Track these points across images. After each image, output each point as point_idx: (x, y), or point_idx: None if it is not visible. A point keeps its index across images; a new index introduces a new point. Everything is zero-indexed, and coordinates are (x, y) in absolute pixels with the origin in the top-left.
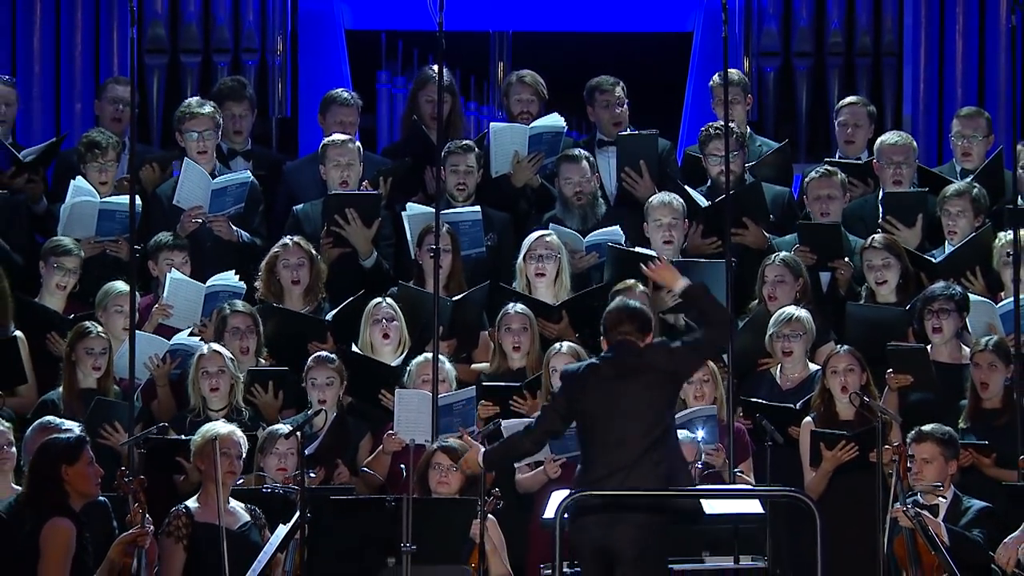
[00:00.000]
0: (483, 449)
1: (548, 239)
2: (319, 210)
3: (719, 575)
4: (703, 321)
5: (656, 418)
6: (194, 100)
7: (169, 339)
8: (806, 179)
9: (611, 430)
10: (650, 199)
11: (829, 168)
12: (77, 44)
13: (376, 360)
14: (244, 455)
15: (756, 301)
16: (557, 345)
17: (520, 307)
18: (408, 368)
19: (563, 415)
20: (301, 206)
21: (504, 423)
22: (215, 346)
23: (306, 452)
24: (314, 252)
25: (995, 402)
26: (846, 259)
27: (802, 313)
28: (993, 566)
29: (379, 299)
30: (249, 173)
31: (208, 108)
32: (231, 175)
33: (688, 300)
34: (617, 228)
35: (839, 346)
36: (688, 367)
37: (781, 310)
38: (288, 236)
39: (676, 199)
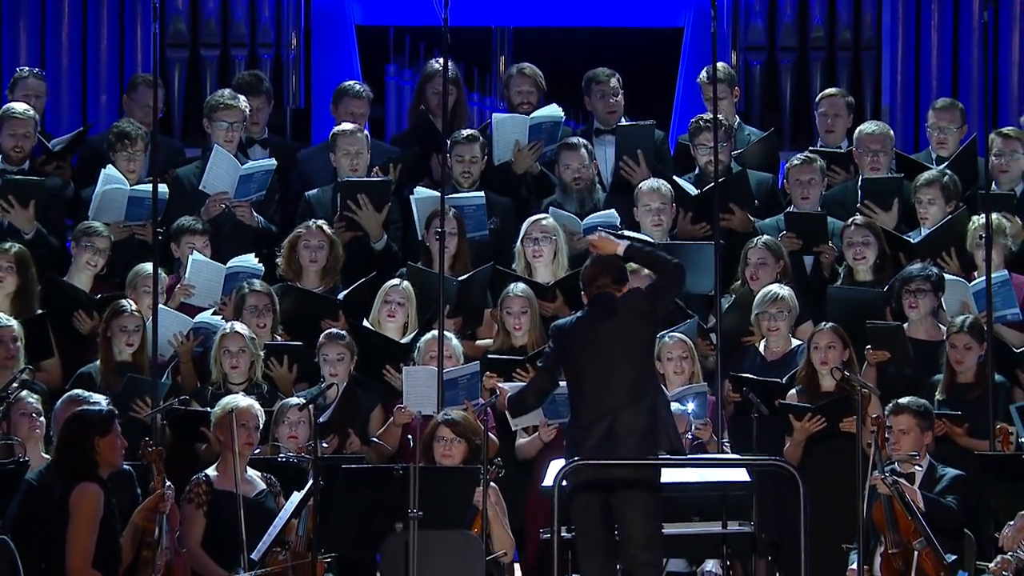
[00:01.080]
0: (509, 393)
1: (544, 223)
2: (329, 195)
3: (708, 539)
4: (657, 273)
5: (637, 357)
6: (227, 92)
7: (192, 317)
8: (788, 165)
9: (596, 373)
10: (640, 185)
11: (810, 155)
12: (103, 39)
13: (385, 336)
14: (261, 427)
15: (739, 282)
16: (565, 321)
17: (521, 289)
18: (417, 345)
19: (552, 372)
20: (313, 192)
21: (501, 384)
22: (237, 326)
23: (320, 420)
24: (335, 237)
25: (968, 377)
26: (829, 243)
27: (785, 292)
28: (967, 532)
29: (397, 281)
30: (274, 161)
31: (239, 102)
32: (258, 162)
33: (633, 260)
34: (613, 211)
35: (823, 323)
36: (659, 305)
37: (767, 289)
38: (312, 220)
39: (664, 185)
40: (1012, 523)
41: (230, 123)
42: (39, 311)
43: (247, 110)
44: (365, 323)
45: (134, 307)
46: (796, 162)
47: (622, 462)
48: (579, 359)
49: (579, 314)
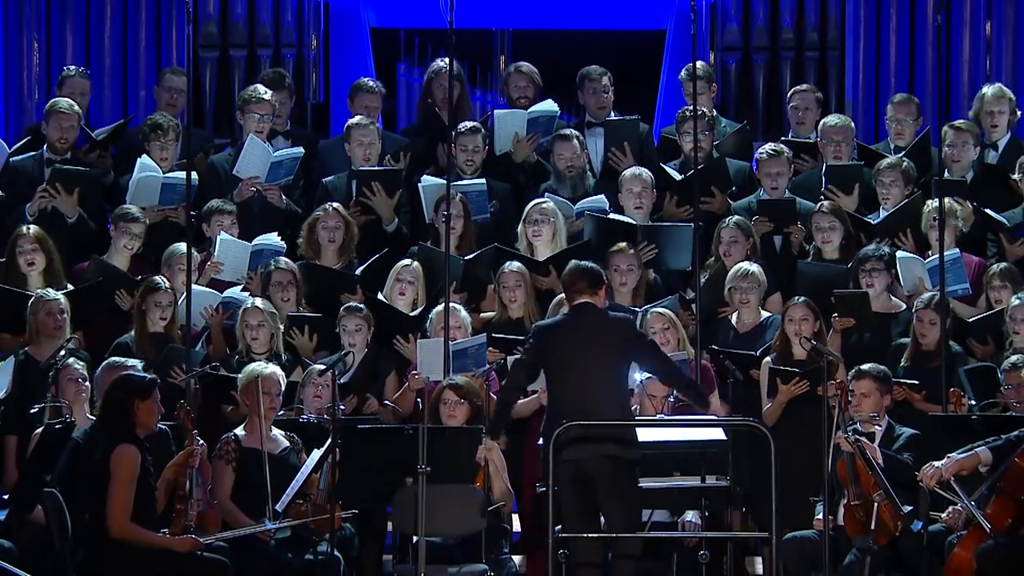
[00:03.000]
0: (487, 439)
1: (543, 206)
2: (344, 182)
3: (688, 492)
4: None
5: (614, 371)
6: (259, 87)
7: (221, 292)
8: (758, 157)
9: (575, 376)
10: (623, 172)
11: (776, 148)
12: (141, 40)
13: (395, 309)
14: (282, 391)
15: (713, 258)
16: (560, 297)
17: (515, 266)
18: (429, 317)
19: (528, 371)
20: (329, 178)
21: (510, 359)
22: (257, 302)
23: (341, 381)
24: (349, 218)
25: (931, 346)
26: (799, 224)
27: (755, 268)
28: (918, 480)
29: (408, 261)
30: (301, 149)
31: (270, 96)
32: (288, 150)
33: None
34: (602, 197)
35: (797, 298)
36: (642, 364)
37: (738, 266)
38: (328, 203)
39: (646, 172)
40: (937, 463)
41: (261, 115)
42: (69, 286)
43: (276, 104)
44: (379, 296)
45: (167, 284)
46: (764, 156)
47: (605, 423)
48: (561, 367)
49: (561, 318)
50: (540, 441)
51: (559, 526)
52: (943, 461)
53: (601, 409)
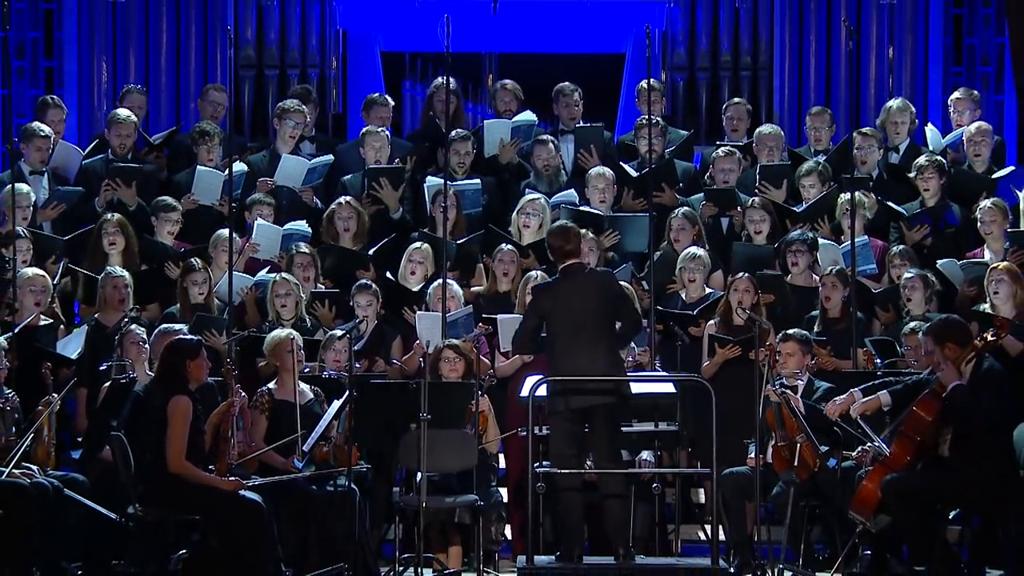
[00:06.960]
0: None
1: (536, 202)
2: (359, 179)
3: (644, 435)
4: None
5: (604, 317)
6: (294, 101)
7: (256, 271)
8: (712, 155)
9: (571, 325)
10: (589, 171)
11: (731, 148)
12: (191, 61)
13: (404, 285)
14: (301, 347)
15: (664, 243)
16: (532, 273)
17: (510, 247)
18: (428, 291)
19: (535, 327)
20: (347, 176)
21: (499, 317)
22: (285, 275)
23: (355, 348)
24: (361, 209)
25: (836, 313)
26: (739, 209)
27: (701, 252)
28: (835, 429)
29: (418, 244)
30: (331, 156)
31: (304, 108)
32: (322, 158)
33: None
34: (573, 191)
35: (742, 273)
36: (618, 316)
37: (687, 250)
38: (342, 197)
39: (608, 171)
40: (838, 398)
41: (296, 123)
42: (143, 267)
43: (307, 113)
44: (388, 275)
45: (200, 264)
46: (720, 153)
47: (587, 378)
48: (559, 316)
49: (554, 280)
50: (521, 393)
51: (537, 463)
52: (843, 396)
53: (596, 361)
